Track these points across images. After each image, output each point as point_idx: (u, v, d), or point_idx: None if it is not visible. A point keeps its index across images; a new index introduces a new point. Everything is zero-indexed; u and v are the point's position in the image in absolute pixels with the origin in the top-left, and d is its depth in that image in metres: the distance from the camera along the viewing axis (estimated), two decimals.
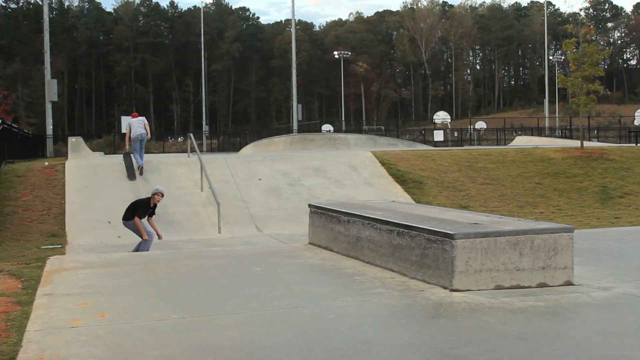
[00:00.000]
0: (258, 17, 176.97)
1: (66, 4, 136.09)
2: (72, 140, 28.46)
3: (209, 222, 18.53)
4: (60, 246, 15.99)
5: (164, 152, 61.60)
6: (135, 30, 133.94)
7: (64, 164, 22.82)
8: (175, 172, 22.22)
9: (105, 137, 64.55)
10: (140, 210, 14.04)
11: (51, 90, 41.60)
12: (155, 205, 14.41)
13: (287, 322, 5.90)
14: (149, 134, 23.22)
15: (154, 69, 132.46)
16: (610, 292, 6.77)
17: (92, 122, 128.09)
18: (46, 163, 23.99)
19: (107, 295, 7.08)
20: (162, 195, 14.50)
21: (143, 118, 23.85)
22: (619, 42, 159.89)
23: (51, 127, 42.60)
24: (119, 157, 24.66)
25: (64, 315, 6.23)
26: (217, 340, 5.35)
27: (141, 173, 21.89)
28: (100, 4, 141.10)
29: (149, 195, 14.59)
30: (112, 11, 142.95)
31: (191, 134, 25.46)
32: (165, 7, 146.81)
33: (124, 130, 27.90)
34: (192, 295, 7.12)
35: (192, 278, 8.17)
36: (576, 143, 31.65)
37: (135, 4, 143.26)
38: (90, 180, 21.20)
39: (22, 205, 19.19)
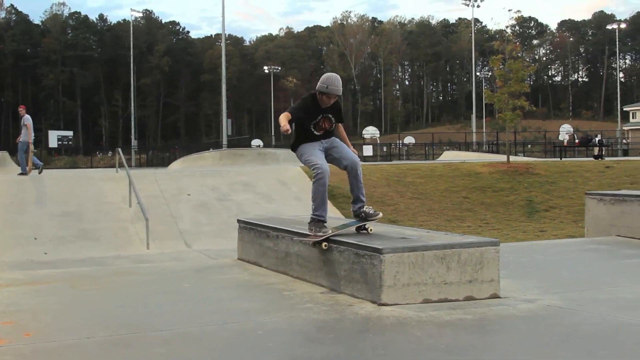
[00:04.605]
0: (188, 32, 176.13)
1: None
2: None
3: (138, 238, 18.29)
4: None
5: (92, 167, 60.88)
6: (63, 43, 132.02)
7: None
8: (103, 187, 21.92)
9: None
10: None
11: None
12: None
13: (216, 339, 5.85)
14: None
15: (82, 82, 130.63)
16: (536, 304, 6.87)
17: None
18: None
19: (32, 313, 6.90)
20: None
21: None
22: (544, 59, 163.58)
23: None
24: (47, 172, 24.32)
25: None
26: (146, 358, 5.30)
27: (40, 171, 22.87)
28: (27, 16, 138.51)
29: None
30: (40, 23, 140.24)
31: (119, 149, 25.22)
32: (95, 20, 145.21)
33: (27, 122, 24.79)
34: (120, 312, 7.01)
35: (120, 295, 8.05)
36: (503, 158, 32.19)
37: (64, 17, 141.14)
38: (16, 195, 20.77)
39: None
